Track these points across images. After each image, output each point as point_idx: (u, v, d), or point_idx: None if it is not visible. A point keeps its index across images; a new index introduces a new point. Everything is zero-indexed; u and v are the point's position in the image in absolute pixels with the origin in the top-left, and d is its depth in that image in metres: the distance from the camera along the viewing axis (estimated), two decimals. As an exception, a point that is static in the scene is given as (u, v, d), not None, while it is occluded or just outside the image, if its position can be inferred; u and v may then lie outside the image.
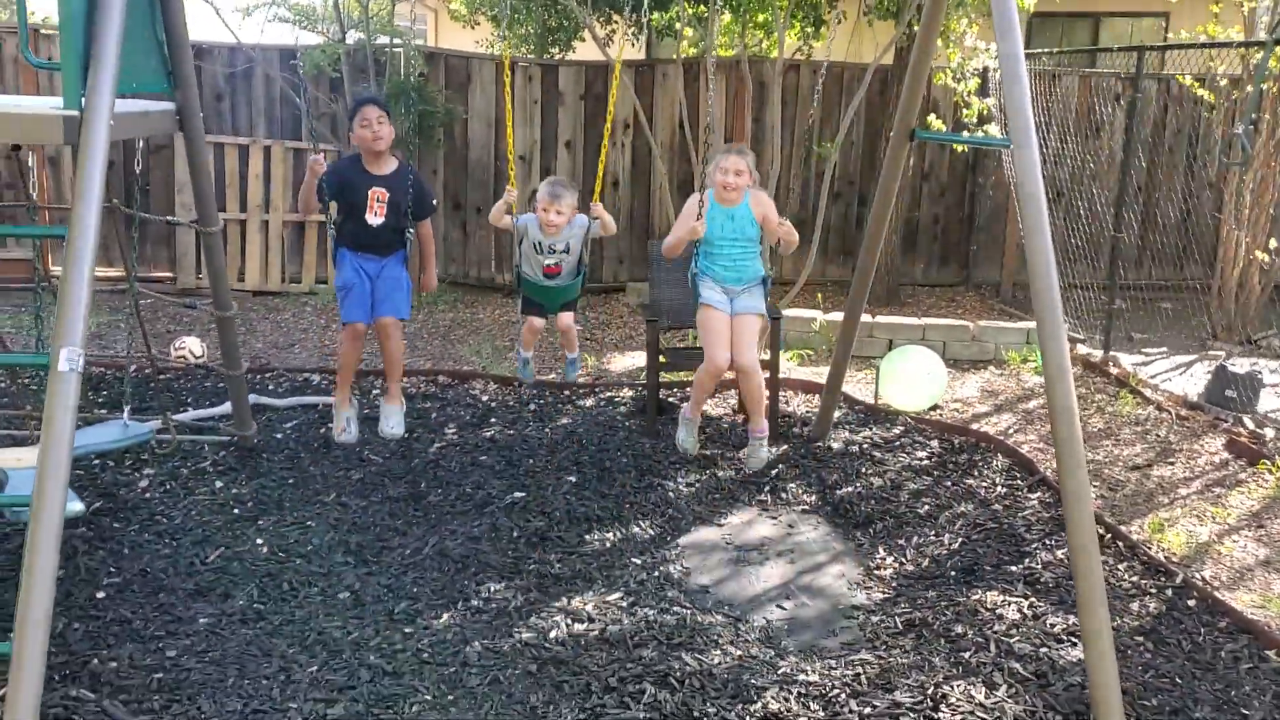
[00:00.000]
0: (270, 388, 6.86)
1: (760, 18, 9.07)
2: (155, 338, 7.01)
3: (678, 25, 9.00)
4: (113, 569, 4.46)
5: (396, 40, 9.18)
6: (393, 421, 5.73)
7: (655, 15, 9.30)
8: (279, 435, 6.06)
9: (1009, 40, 3.95)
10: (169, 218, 6.37)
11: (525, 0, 9.08)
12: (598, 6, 9.03)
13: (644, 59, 10.58)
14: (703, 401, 5.63)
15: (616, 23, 9.44)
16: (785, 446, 6.13)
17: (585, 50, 9.93)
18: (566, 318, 5.67)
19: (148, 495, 5.21)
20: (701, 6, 9.01)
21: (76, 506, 4.35)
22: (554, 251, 5.49)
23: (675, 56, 8.99)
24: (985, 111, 9.01)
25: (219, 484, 5.37)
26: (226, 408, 6.24)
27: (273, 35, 10.03)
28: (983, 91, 9.22)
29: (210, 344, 7.60)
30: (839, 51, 10.27)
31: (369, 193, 5.43)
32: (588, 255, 5.59)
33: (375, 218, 5.45)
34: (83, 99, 3.54)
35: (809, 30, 9.33)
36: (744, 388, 5.67)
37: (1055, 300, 3.76)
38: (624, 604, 4.28)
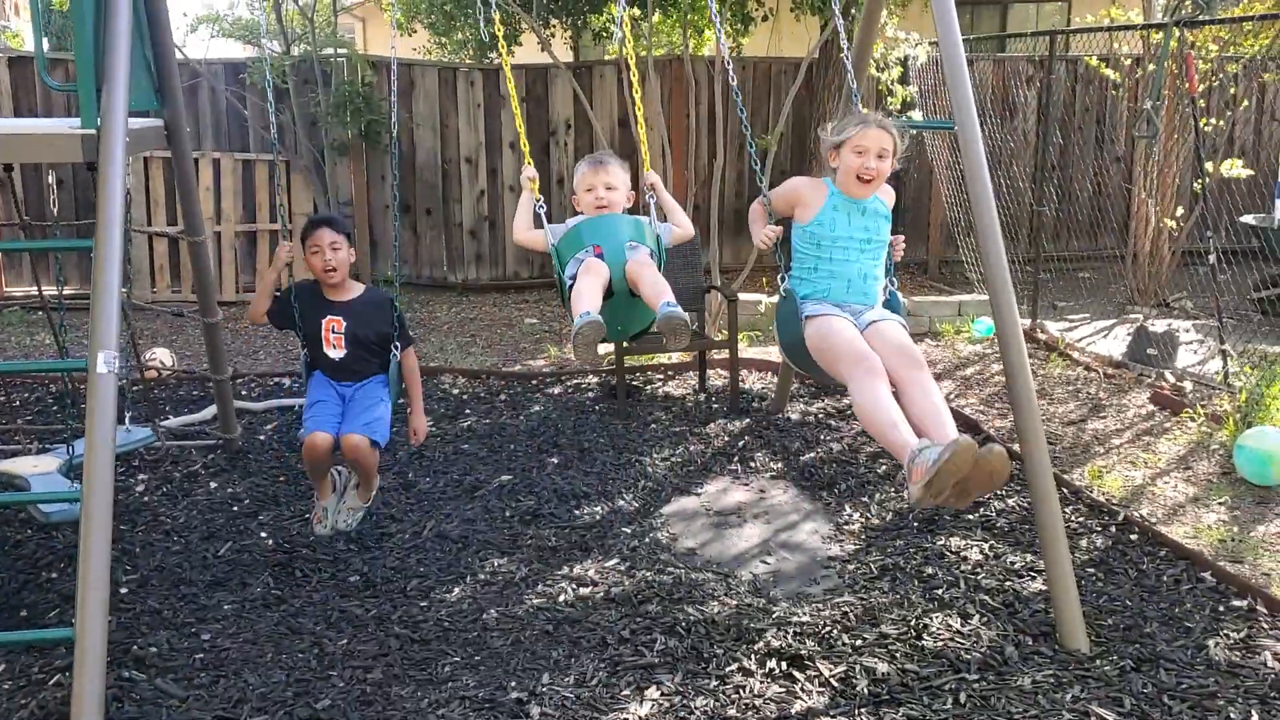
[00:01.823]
0: (244, 393, 7.05)
1: (691, 17, 9.43)
2: (122, 350, 7.15)
3: (612, 27, 9.33)
4: (128, 567, 4.65)
5: (341, 50, 9.37)
6: (344, 518, 4.86)
7: (592, 17, 9.61)
8: (261, 437, 6.27)
9: (948, 29, 4.33)
10: (153, 229, 6.52)
11: (463, 8, 9.32)
12: (536, 11, 9.31)
13: (579, 61, 10.90)
14: (890, 429, 3.54)
15: (554, 27, 9.73)
16: (748, 420, 6.50)
17: (523, 54, 10.23)
18: (641, 255, 3.94)
19: (146, 499, 5.39)
20: (635, 9, 9.34)
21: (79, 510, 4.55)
22: None
23: (608, 57, 9.31)
24: (909, 99, 9.47)
25: (214, 485, 5.57)
26: (208, 413, 6.44)
27: (217, 50, 10.08)
28: (904, 79, 9.68)
29: (177, 353, 7.76)
30: (762, 47, 10.70)
31: (323, 323, 4.66)
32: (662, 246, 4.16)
33: (334, 351, 4.66)
34: (98, 118, 3.77)
35: (737, 28, 9.72)
36: (919, 396, 3.67)
37: (1003, 267, 4.16)
38: (622, 568, 4.60)
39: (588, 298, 3.68)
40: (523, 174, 4.18)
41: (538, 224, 4.14)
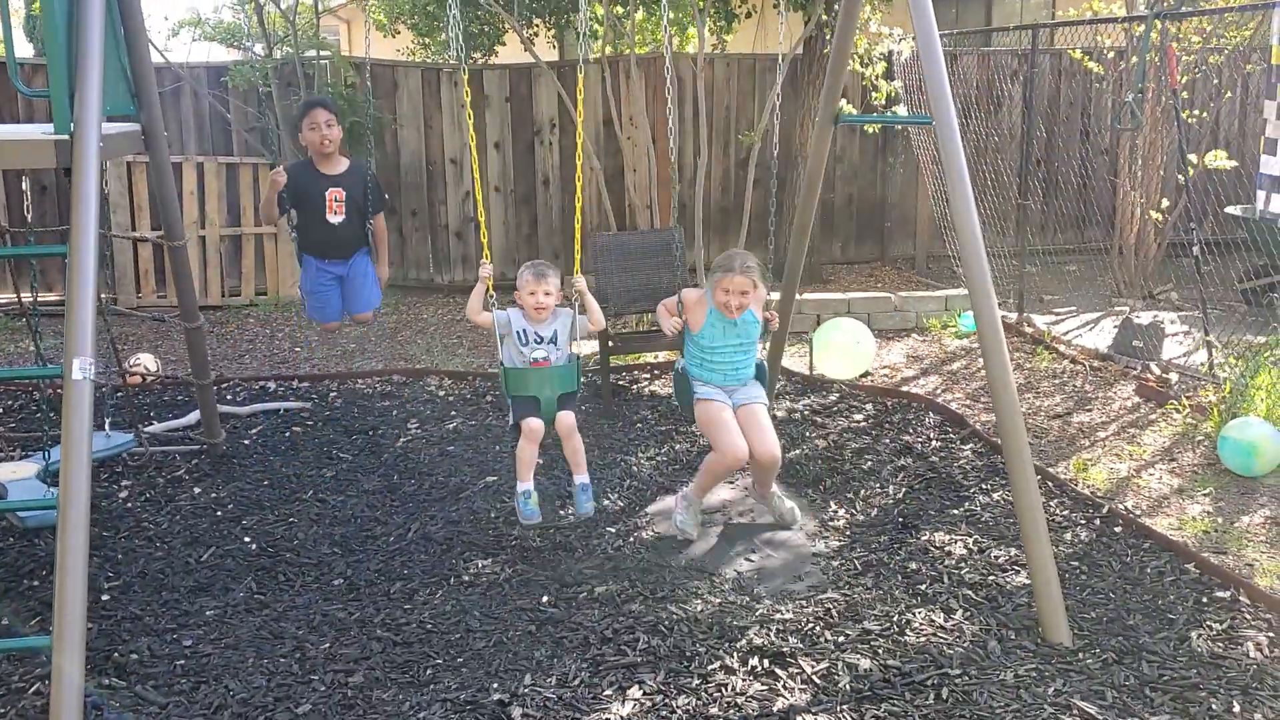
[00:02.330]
0: (229, 397, 7.03)
1: (674, 14, 9.41)
2: (104, 355, 7.12)
3: (595, 26, 9.32)
4: (110, 574, 4.64)
5: (324, 52, 9.35)
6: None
7: (573, 16, 9.59)
8: (246, 441, 6.25)
9: (924, 22, 4.33)
10: (133, 234, 6.50)
11: (446, 9, 9.29)
12: (518, 11, 9.30)
13: (563, 60, 10.89)
14: (710, 489, 5.05)
15: (537, 26, 9.72)
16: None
17: (506, 54, 10.21)
18: (568, 418, 4.80)
19: (130, 505, 5.37)
20: (618, 7, 9.34)
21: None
22: (541, 341, 4.85)
23: (594, 56, 9.30)
24: (893, 93, 9.48)
25: (197, 490, 5.55)
26: (192, 418, 6.42)
27: (199, 54, 10.12)
28: (889, 75, 9.68)
29: (162, 358, 7.74)
30: (747, 44, 10.70)
31: (326, 194, 5.60)
32: (578, 349, 5.07)
33: (335, 216, 5.62)
34: (71, 124, 3.75)
35: (720, 25, 9.72)
36: (762, 476, 5.08)
37: (982, 260, 4.15)
38: (606, 567, 4.60)
39: (526, 466, 4.81)
40: (481, 270, 4.92)
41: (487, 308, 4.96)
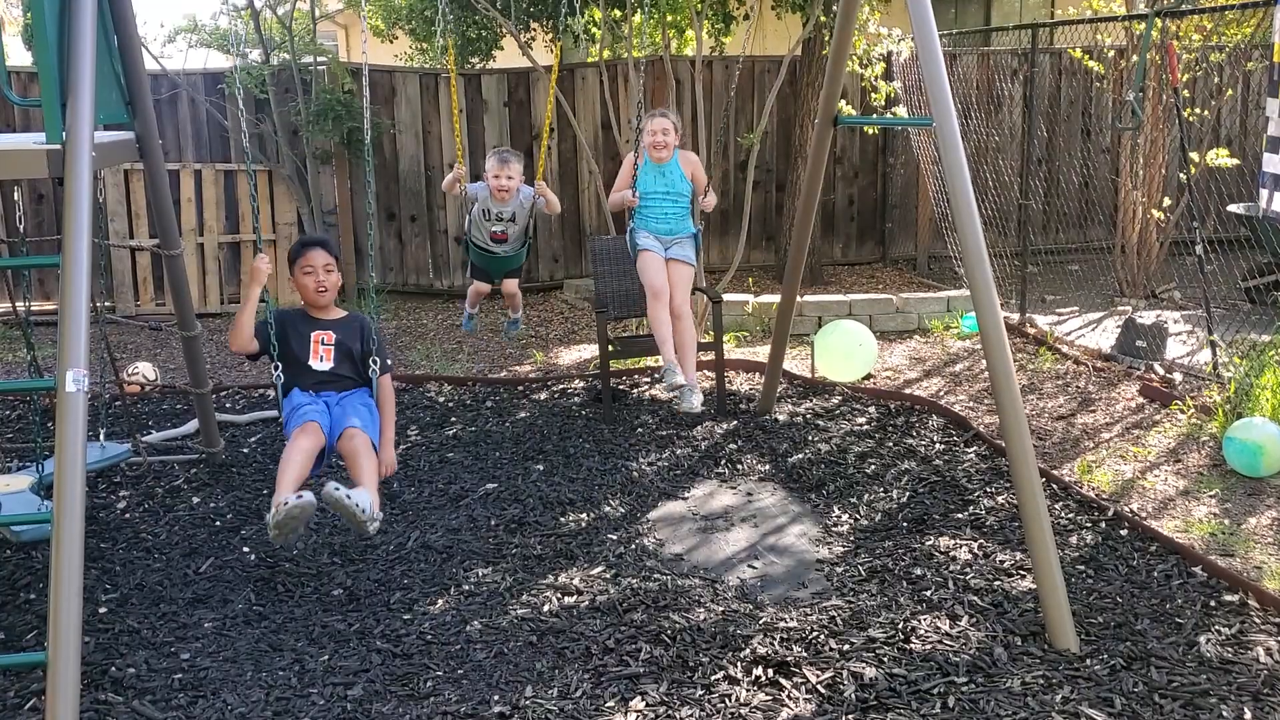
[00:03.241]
0: (228, 405, 6.99)
1: (672, 17, 9.38)
2: (102, 364, 7.10)
3: (593, 30, 9.28)
4: (108, 586, 4.60)
5: (321, 58, 9.32)
6: (358, 496, 4.21)
7: (571, 20, 9.57)
8: (245, 450, 6.21)
9: (923, 22, 4.29)
10: (129, 243, 6.47)
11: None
12: (516, 15, 9.27)
13: (561, 65, 10.84)
14: (668, 338, 5.78)
15: (535, 30, 9.69)
16: (735, 422, 6.46)
17: (505, 58, 10.18)
18: (511, 283, 6.18)
19: (128, 515, 5.33)
20: (615, 10, 9.30)
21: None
22: (501, 219, 5.88)
23: (591, 60, 9.27)
24: (892, 94, 9.44)
25: (196, 500, 5.51)
26: (191, 427, 6.38)
27: (196, 60, 10.11)
28: (888, 76, 9.64)
29: (161, 367, 7.71)
30: (745, 46, 10.65)
31: (312, 336, 4.63)
32: (532, 227, 6.01)
33: (322, 363, 4.61)
34: (64, 133, 3.72)
35: (719, 27, 9.68)
36: (676, 332, 5.83)
37: (984, 261, 4.11)
38: (607, 576, 4.55)
39: (473, 303, 6.56)
40: (457, 169, 5.83)
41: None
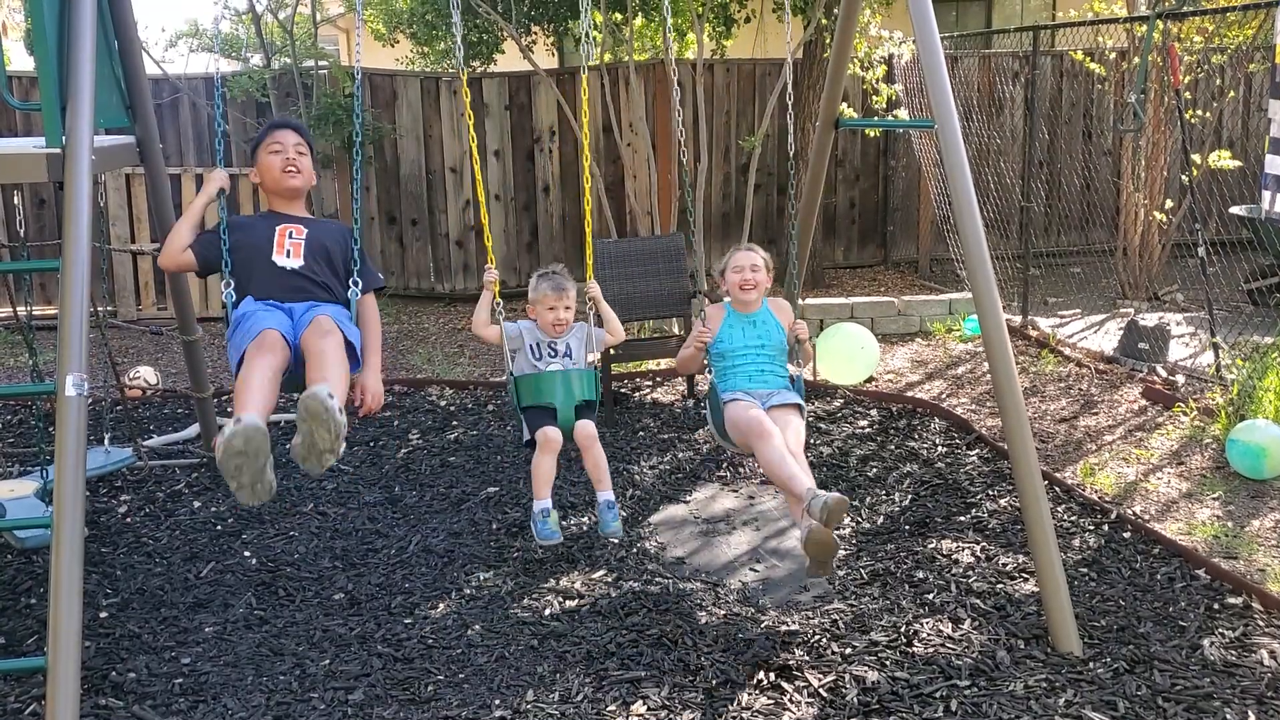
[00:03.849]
0: (229, 410, 6.97)
1: (673, 20, 9.38)
2: (103, 369, 7.11)
3: (594, 33, 9.28)
4: (109, 590, 4.59)
5: (322, 62, 9.33)
6: (318, 455, 3.44)
7: (572, 24, 9.58)
8: (246, 454, 6.19)
9: (924, 25, 4.28)
10: (130, 247, 6.46)
11: (444, 17, 9.26)
12: (516, 19, 9.27)
13: (562, 67, 10.86)
14: (795, 475, 4.14)
15: (536, 34, 9.70)
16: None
17: (506, 61, 10.18)
18: (588, 427, 4.39)
19: (129, 520, 5.33)
20: (616, 14, 9.30)
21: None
22: (555, 354, 4.52)
23: (592, 63, 9.27)
24: (894, 97, 9.43)
25: (197, 504, 5.50)
26: (192, 431, 6.38)
27: (198, 65, 10.15)
28: (889, 78, 9.64)
29: (163, 371, 7.71)
30: (746, 49, 10.66)
31: (276, 229, 3.86)
32: (596, 360, 4.64)
33: (286, 259, 3.78)
34: (63, 137, 3.71)
35: (719, 31, 9.69)
36: (787, 477, 4.22)
37: (986, 263, 4.10)
38: (609, 579, 4.54)
39: (544, 482, 4.36)
40: (486, 275, 4.48)
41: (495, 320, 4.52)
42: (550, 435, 4.32)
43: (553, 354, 4.52)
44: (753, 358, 4.61)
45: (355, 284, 3.90)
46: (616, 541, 4.60)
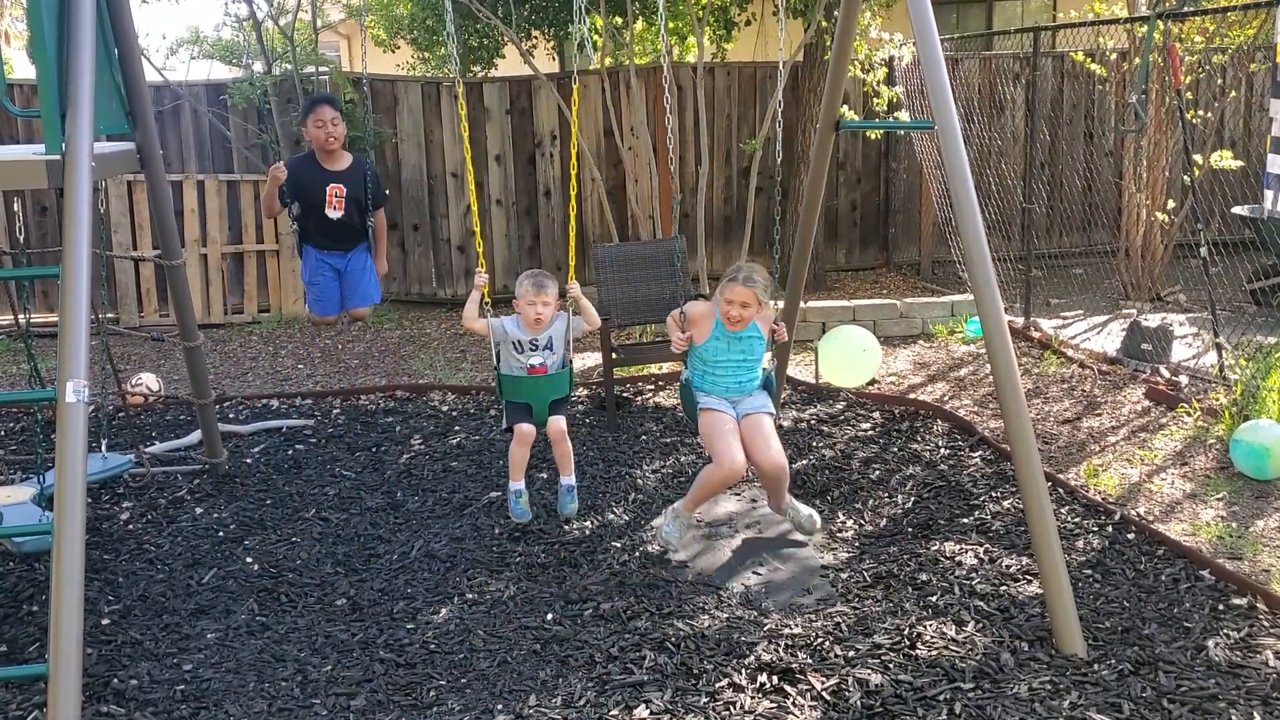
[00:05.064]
0: (231, 415, 6.99)
1: (673, 24, 9.40)
2: (105, 375, 7.11)
3: (595, 37, 9.29)
4: (111, 597, 4.59)
5: (323, 68, 9.34)
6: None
7: (573, 28, 9.59)
8: (249, 460, 6.20)
9: (924, 27, 4.28)
10: (131, 254, 6.47)
11: (445, 23, 9.28)
12: (517, 24, 9.28)
13: (562, 72, 10.86)
14: (703, 502, 4.96)
15: (536, 38, 9.70)
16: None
17: (506, 66, 10.19)
18: (559, 423, 5.06)
19: (131, 526, 5.32)
20: (617, 18, 9.31)
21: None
22: (536, 348, 4.99)
23: (593, 67, 9.27)
24: (895, 99, 9.43)
25: (199, 510, 5.50)
26: (194, 437, 6.38)
27: (198, 72, 10.19)
28: (890, 80, 9.63)
29: (165, 377, 7.70)
30: (747, 53, 10.67)
31: (326, 189, 5.69)
32: (570, 354, 5.15)
33: (335, 211, 5.70)
34: (63, 144, 3.72)
35: (720, 34, 9.69)
36: (771, 487, 4.96)
37: (987, 265, 4.09)
38: (611, 583, 4.53)
39: (517, 467, 5.09)
40: (477, 278, 5.08)
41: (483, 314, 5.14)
42: (524, 430, 5.01)
43: (534, 348, 5.01)
44: (732, 370, 4.90)
45: (370, 210, 5.80)
46: (570, 519, 5.19)
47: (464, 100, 5.10)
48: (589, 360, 8.18)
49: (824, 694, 3.62)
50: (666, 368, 7.49)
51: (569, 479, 5.14)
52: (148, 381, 7.24)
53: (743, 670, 3.77)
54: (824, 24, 8.84)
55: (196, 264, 9.48)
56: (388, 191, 6.33)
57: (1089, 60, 9.80)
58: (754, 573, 4.68)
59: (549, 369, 5.02)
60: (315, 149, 5.82)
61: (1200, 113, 9.25)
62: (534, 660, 3.93)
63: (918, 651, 3.87)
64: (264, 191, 5.84)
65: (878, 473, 5.71)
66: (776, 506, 5.04)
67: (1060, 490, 5.32)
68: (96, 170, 4.55)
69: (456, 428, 6.66)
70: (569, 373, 5.10)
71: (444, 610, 4.37)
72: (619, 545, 4.93)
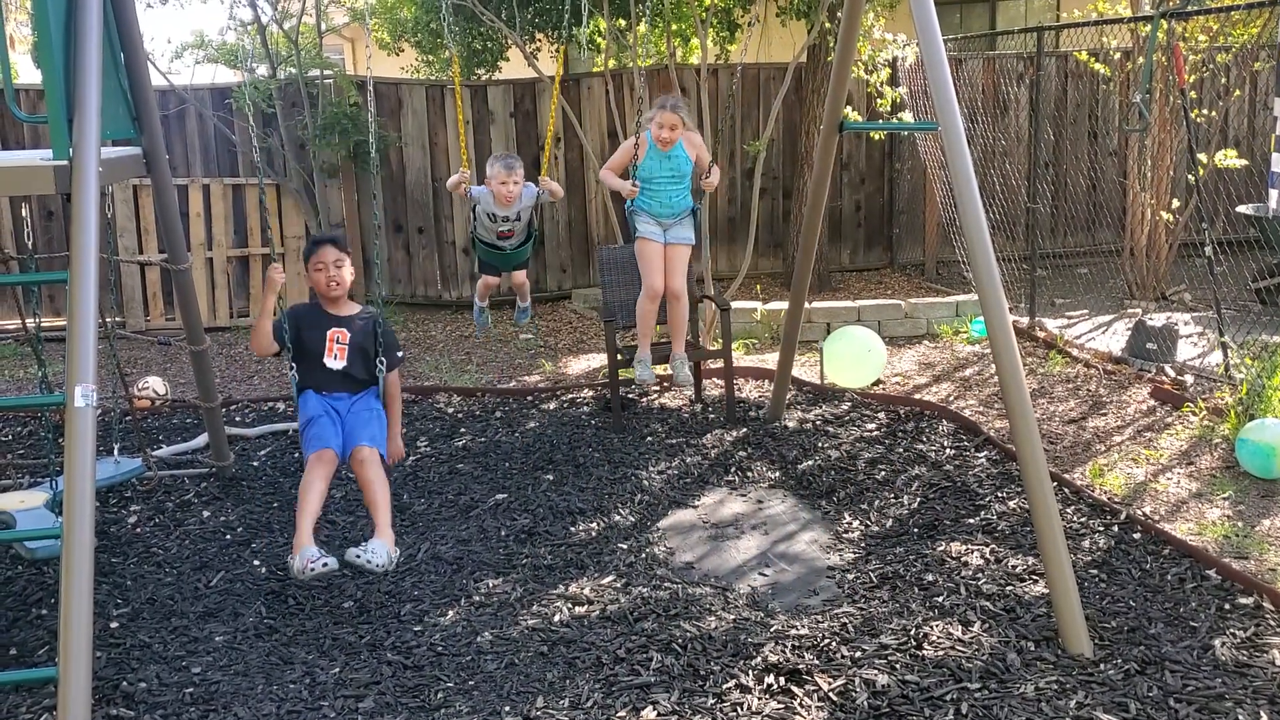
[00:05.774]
0: (238, 419, 7.01)
1: (676, 26, 9.40)
2: (112, 380, 7.13)
3: (598, 39, 9.30)
4: (119, 600, 4.60)
5: (327, 72, 9.36)
6: (374, 549, 4.34)
7: (577, 30, 9.59)
8: (255, 463, 6.22)
9: (928, 27, 4.29)
10: (138, 258, 6.49)
11: (449, 26, 9.30)
12: (520, 26, 9.29)
13: (566, 74, 10.86)
14: (649, 333, 6.17)
15: (540, 41, 9.71)
16: (745, 429, 6.45)
17: (511, 69, 10.20)
18: (519, 274, 6.38)
19: (139, 530, 5.34)
20: (620, 20, 9.32)
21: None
22: (507, 220, 5.98)
23: (597, 69, 9.28)
24: (898, 100, 9.43)
25: (206, 514, 5.51)
26: (200, 441, 6.39)
27: (203, 76, 10.23)
28: (893, 81, 9.63)
29: (172, 381, 7.72)
30: (751, 54, 10.66)
31: (327, 334, 4.74)
32: (537, 219, 6.17)
33: (335, 361, 4.71)
34: (70, 149, 3.73)
35: (723, 35, 9.69)
36: (672, 311, 6.16)
37: (992, 265, 4.10)
38: (618, 585, 4.54)
39: (482, 296, 6.68)
40: (462, 173, 5.88)
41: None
42: (489, 281, 6.53)
43: (505, 220, 5.98)
44: (664, 185, 5.94)
45: (381, 364, 4.80)
46: (525, 330, 6.76)
47: (461, 111, 5.63)
48: (594, 361, 8.20)
49: (831, 695, 3.62)
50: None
51: (525, 303, 6.66)
52: (154, 385, 7.25)
53: (749, 671, 3.78)
54: (827, 25, 8.84)
55: (202, 268, 9.50)
56: (402, 352, 5.15)
57: (1093, 60, 9.79)
58: (760, 574, 4.69)
59: (515, 234, 6.03)
60: (319, 295, 4.88)
61: (1204, 112, 9.24)
62: (541, 662, 3.94)
63: (924, 652, 3.87)
64: (258, 309, 4.98)
65: (883, 473, 5.72)
66: (674, 350, 6.22)
67: (1066, 490, 5.32)
68: (103, 175, 4.58)
69: (462, 430, 6.67)
70: (530, 244, 6.14)
71: (451, 612, 4.38)
72: (625, 547, 4.94)
